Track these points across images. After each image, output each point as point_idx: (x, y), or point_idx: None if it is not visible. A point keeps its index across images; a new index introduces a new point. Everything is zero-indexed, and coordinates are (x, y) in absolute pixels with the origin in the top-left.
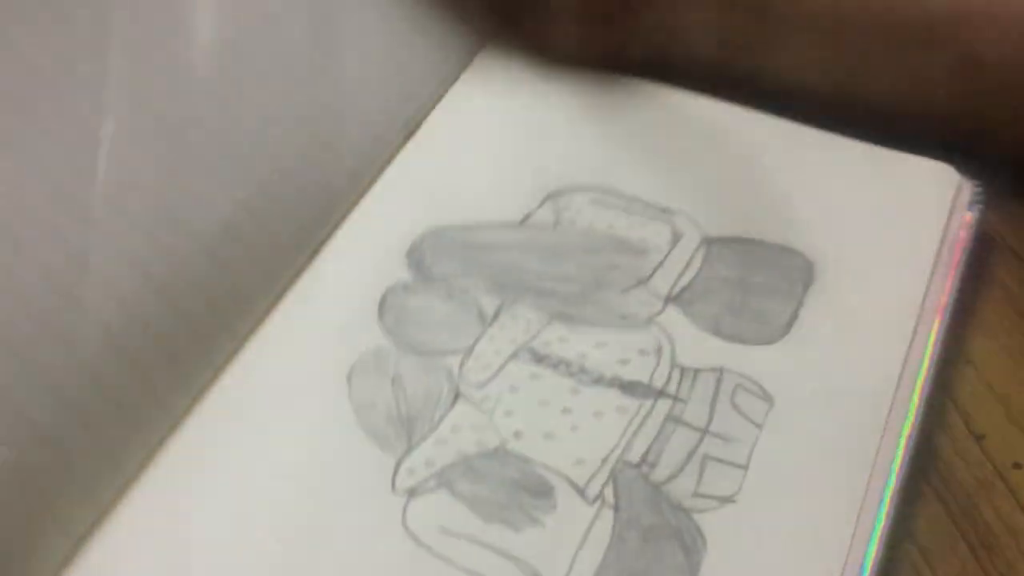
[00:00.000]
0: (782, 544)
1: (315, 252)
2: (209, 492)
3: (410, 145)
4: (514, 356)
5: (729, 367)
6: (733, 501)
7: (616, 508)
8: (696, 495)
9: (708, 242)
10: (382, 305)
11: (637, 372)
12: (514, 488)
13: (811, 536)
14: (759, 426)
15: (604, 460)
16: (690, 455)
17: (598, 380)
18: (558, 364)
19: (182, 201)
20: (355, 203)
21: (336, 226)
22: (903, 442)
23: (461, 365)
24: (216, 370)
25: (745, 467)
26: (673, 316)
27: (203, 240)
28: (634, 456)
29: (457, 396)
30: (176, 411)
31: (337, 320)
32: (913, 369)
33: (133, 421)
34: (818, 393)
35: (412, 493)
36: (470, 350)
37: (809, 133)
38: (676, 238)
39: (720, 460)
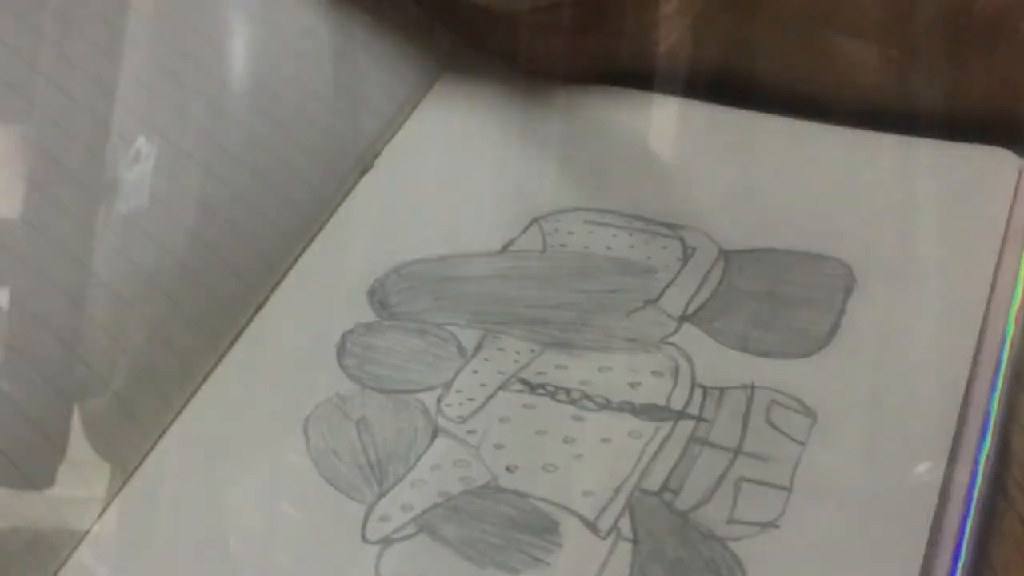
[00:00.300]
0: (836, 572)
1: (263, 301)
2: (154, 559)
3: (367, 178)
4: (503, 387)
5: (761, 383)
6: (776, 526)
7: (635, 541)
8: (731, 521)
9: (726, 256)
10: (341, 349)
11: (651, 394)
12: (510, 527)
13: (870, 563)
14: (801, 443)
15: (617, 489)
16: (721, 478)
17: (604, 405)
18: (556, 392)
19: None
20: (306, 244)
21: (286, 270)
22: (983, 457)
23: (439, 400)
24: (161, 427)
25: (788, 488)
26: (691, 335)
27: (127, 296)
28: (653, 483)
29: (436, 433)
30: (124, 466)
31: (290, 369)
32: (987, 377)
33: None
34: (869, 405)
35: (387, 542)
36: (449, 384)
37: (828, 130)
38: (688, 254)
39: (758, 482)
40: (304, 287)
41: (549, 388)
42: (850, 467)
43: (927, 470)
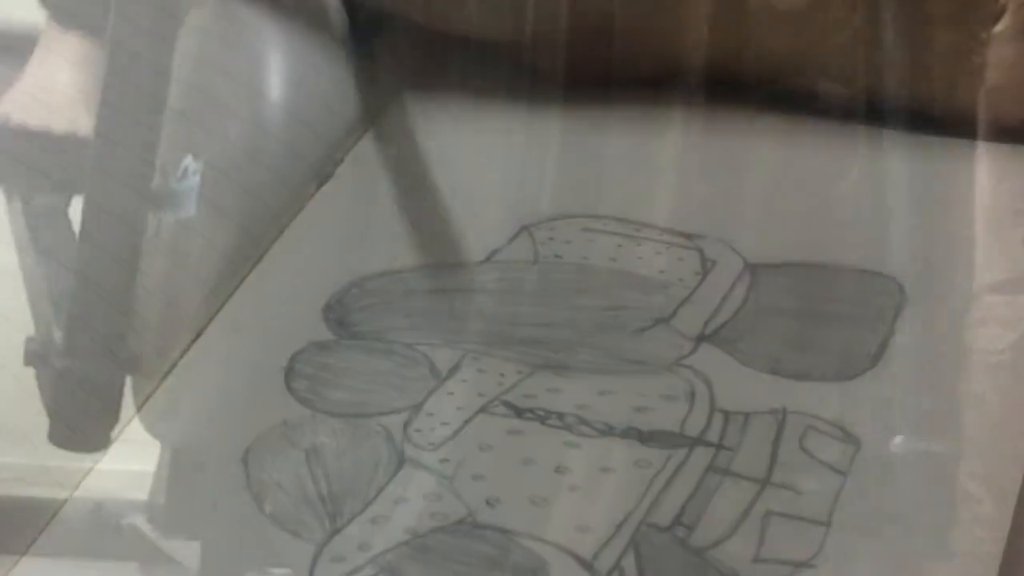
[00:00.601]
0: None
1: (204, 326)
2: None
3: (325, 190)
4: (483, 410)
5: (794, 408)
6: (811, 566)
7: None
8: (758, 560)
9: (753, 270)
10: (290, 372)
11: (661, 420)
12: (489, 568)
13: None
14: (843, 473)
15: (619, 525)
16: (746, 512)
17: (605, 432)
18: (547, 416)
19: None
20: (255, 262)
21: (230, 292)
22: None
23: (407, 425)
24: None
25: (826, 523)
26: (710, 356)
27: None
28: (664, 517)
29: (402, 462)
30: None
31: (229, 398)
32: None
33: None
34: (924, 431)
35: None
36: (419, 407)
37: (868, 134)
38: (707, 267)
39: (790, 516)
40: (249, 307)
41: (539, 412)
42: (899, 497)
43: (992, 506)
